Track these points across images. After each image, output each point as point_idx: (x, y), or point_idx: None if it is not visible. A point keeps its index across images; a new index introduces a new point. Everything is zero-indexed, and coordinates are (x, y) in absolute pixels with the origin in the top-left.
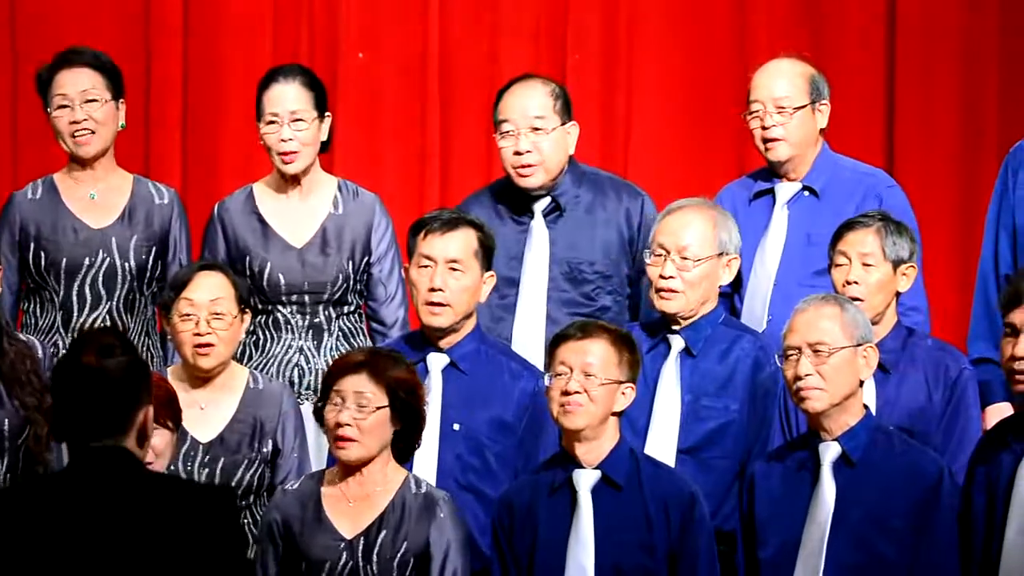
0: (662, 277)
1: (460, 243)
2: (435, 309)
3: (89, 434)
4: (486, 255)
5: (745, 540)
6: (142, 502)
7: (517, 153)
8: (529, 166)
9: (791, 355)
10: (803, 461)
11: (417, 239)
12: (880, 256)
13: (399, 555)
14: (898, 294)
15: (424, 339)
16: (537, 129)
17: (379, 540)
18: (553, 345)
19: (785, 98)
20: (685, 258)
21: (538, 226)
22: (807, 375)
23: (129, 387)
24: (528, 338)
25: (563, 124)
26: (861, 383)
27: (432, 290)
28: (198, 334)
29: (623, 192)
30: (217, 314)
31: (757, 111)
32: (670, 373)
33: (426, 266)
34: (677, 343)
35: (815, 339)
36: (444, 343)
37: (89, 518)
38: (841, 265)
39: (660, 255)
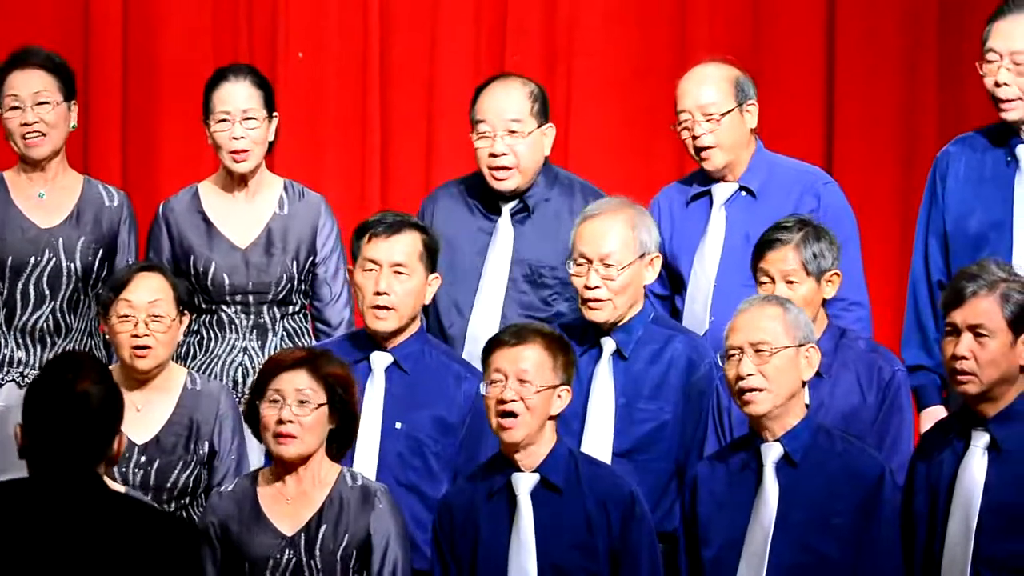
0: (587, 288)
1: (404, 246)
2: (380, 313)
3: (66, 462)
4: (431, 257)
5: (688, 541)
6: (104, 523)
7: (492, 155)
8: (504, 168)
9: (733, 355)
10: (746, 462)
11: (361, 243)
12: (802, 272)
13: (341, 548)
14: (825, 301)
15: (368, 338)
16: (514, 132)
17: (320, 535)
18: (487, 352)
19: (711, 104)
20: (609, 265)
21: (504, 225)
22: (749, 375)
23: (111, 416)
24: (482, 335)
25: (540, 127)
26: (804, 384)
27: (377, 294)
28: (136, 335)
29: (591, 198)
30: (155, 316)
31: (685, 121)
32: (603, 376)
33: (371, 270)
34: (609, 346)
35: (757, 339)
36: (388, 342)
37: (49, 537)
38: (764, 283)
39: (582, 264)
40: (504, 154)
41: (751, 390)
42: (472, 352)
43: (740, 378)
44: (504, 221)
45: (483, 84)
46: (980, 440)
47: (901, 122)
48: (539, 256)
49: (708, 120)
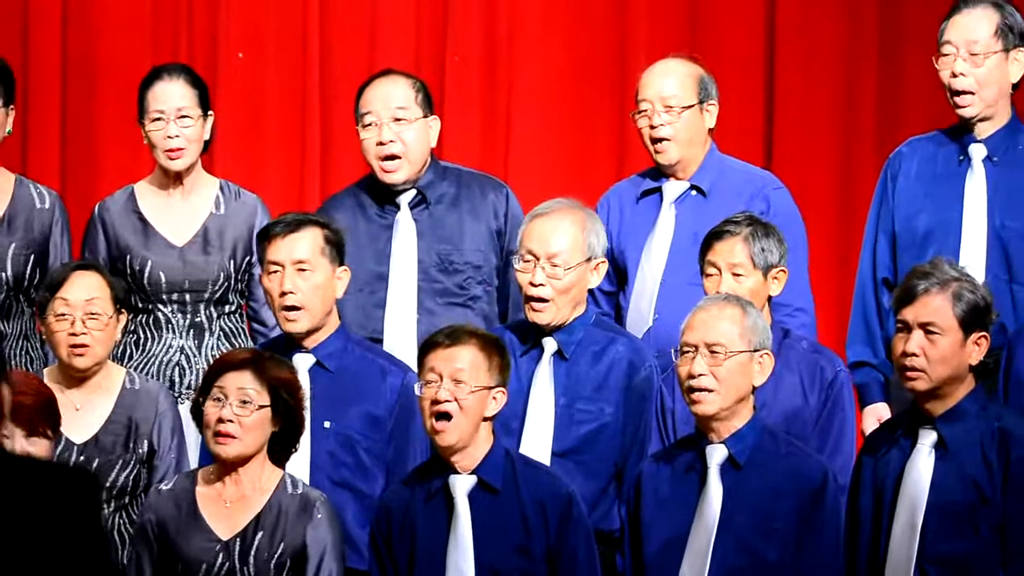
0: (532, 284)
1: (305, 243)
2: (290, 315)
3: None
4: (336, 251)
5: (631, 538)
6: None
7: (380, 144)
8: (393, 157)
9: (687, 352)
10: (691, 462)
11: (265, 246)
12: (750, 265)
13: (276, 556)
14: (770, 298)
15: (289, 341)
16: (399, 120)
17: (256, 541)
18: (422, 352)
19: (673, 97)
20: (556, 265)
21: (404, 217)
22: (700, 375)
23: None
24: (399, 329)
25: (425, 116)
26: (754, 389)
27: (284, 294)
28: (73, 334)
29: (487, 185)
30: (92, 314)
31: (645, 110)
32: (543, 376)
33: (275, 272)
34: (550, 346)
35: (712, 340)
36: (309, 343)
37: None
38: (711, 275)
39: (529, 261)
40: (391, 141)
41: (701, 390)
42: (392, 346)
43: (691, 377)
44: (404, 214)
45: (366, 81)
46: (927, 439)
47: (840, 122)
48: (446, 244)
49: (668, 112)
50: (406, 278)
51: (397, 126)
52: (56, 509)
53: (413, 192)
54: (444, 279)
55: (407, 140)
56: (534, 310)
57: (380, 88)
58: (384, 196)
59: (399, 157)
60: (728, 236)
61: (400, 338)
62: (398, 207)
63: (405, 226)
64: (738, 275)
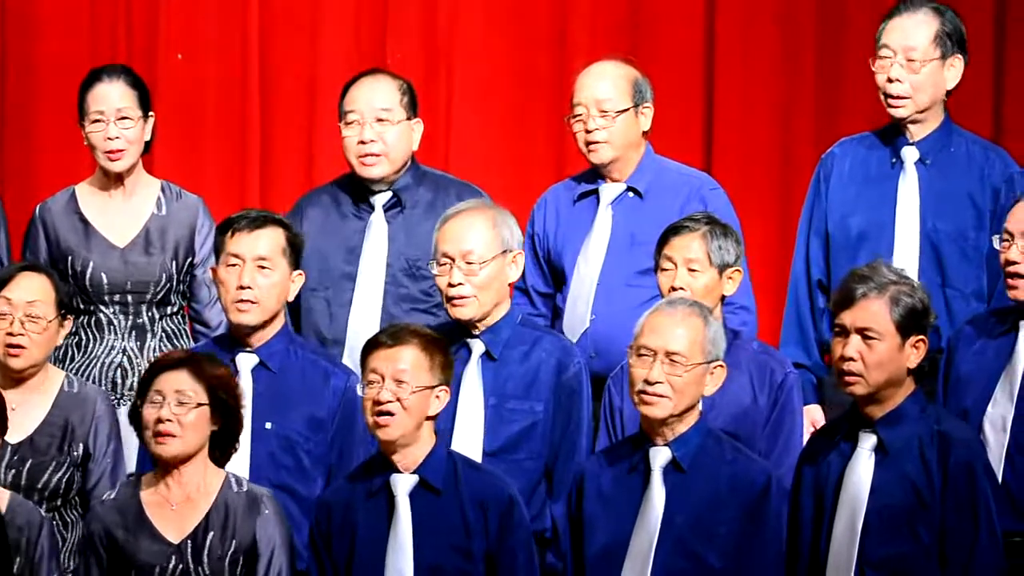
0: (451, 285)
1: (268, 241)
2: (243, 306)
3: None
4: (294, 253)
5: (572, 538)
6: None
7: (361, 142)
8: (373, 155)
9: (644, 355)
10: (634, 464)
11: (225, 238)
12: (706, 262)
13: (229, 554)
14: (723, 297)
15: (233, 340)
16: (382, 120)
17: (207, 541)
18: (364, 352)
19: (607, 101)
20: (470, 262)
21: (377, 219)
22: (657, 382)
23: None
24: (363, 331)
25: (408, 119)
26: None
27: (241, 287)
28: (10, 333)
29: (465, 192)
30: (32, 316)
31: (580, 114)
32: (472, 377)
33: (234, 265)
34: (478, 347)
35: (674, 348)
36: (253, 341)
37: None
38: (667, 270)
39: (445, 264)
40: (373, 141)
41: (654, 394)
42: (355, 347)
43: (647, 381)
44: (377, 216)
45: (352, 79)
46: (867, 442)
47: (779, 123)
48: (415, 249)
49: (603, 116)
50: (373, 280)
51: (380, 126)
52: None
53: (389, 194)
54: (410, 285)
55: (388, 140)
56: (455, 306)
57: (365, 87)
58: (360, 196)
59: (379, 155)
60: (686, 232)
61: (362, 340)
62: (373, 208)
63: (377, 228)
64: (693, 271)
